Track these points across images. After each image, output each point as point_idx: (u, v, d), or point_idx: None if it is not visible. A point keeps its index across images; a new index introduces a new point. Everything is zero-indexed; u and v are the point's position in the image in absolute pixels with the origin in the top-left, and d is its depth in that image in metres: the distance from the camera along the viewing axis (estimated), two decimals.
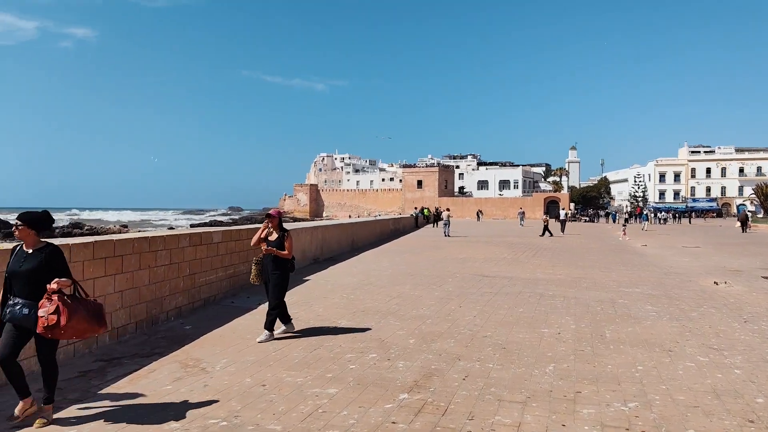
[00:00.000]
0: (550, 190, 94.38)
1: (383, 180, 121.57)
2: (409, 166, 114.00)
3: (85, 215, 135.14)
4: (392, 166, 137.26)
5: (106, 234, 36.05)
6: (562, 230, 36.18)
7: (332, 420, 4.54)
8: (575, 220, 64.40)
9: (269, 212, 7.50)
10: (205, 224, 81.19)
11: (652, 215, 58.83)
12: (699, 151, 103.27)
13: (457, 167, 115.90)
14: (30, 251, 4.49)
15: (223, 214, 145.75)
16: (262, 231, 7.41)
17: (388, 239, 28.35)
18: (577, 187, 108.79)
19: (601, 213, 75.81)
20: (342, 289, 11.50)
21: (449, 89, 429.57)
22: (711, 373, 5.82)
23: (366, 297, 10.50)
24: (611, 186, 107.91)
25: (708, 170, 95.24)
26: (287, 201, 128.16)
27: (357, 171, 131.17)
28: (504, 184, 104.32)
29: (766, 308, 9.59)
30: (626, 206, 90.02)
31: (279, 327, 7.46)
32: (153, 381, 5.54)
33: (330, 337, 7.35)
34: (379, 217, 39.94)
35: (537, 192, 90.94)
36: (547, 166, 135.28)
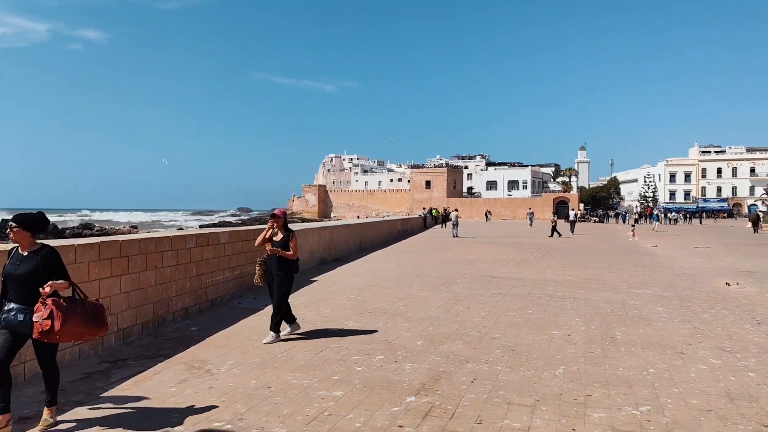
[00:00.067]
0: (559, 191, 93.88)
1: (391, 181, 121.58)
2: (418, 167, 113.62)
3: (96, 216, 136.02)
4: (401, 166, 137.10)
5: (114, 235, 36.21)
6: (572, 231, 36.01)
7: (338, 423, 4.48)
8: (585, 221, 64.06)
9: (274, 212, 7.40)
10: (214, 225, 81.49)
11: (663, 216, 58.44)
12: (709, 151, 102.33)
13: (466, 168, 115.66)
14: (25, 254, 4.35)
15: (232, 215, 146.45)
16: (267, 231, 7.34)
17: (396, 240, 28.29)
18: (587, 187, 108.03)
19: (611, 213, 75.38)
20: (349, 290, 11.45)
21: (457, 90, 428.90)
22: (724, 376, 5.71)
23: (373, 298, 10.44)
24: (621, 186, 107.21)
25: (719, 170, 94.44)
26: (296, 201, 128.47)
27: (365, 172, 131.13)
28: (513, 185, 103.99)
29: None
30: (636, 207, 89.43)
31: (285, 328, 7.41)
32: (158, 383, 5.50)
33: (337, 338, 7.29)
34: (387, 218, 39.89)
35: (546, 192, 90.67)
36: (557, 166, 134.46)
